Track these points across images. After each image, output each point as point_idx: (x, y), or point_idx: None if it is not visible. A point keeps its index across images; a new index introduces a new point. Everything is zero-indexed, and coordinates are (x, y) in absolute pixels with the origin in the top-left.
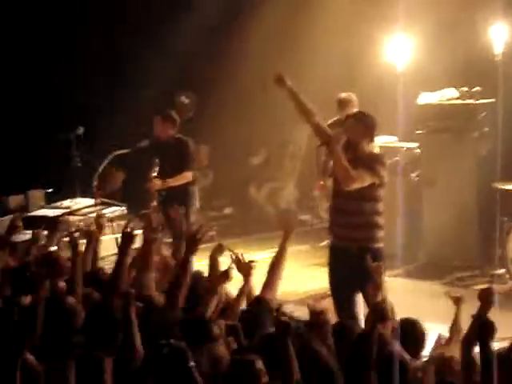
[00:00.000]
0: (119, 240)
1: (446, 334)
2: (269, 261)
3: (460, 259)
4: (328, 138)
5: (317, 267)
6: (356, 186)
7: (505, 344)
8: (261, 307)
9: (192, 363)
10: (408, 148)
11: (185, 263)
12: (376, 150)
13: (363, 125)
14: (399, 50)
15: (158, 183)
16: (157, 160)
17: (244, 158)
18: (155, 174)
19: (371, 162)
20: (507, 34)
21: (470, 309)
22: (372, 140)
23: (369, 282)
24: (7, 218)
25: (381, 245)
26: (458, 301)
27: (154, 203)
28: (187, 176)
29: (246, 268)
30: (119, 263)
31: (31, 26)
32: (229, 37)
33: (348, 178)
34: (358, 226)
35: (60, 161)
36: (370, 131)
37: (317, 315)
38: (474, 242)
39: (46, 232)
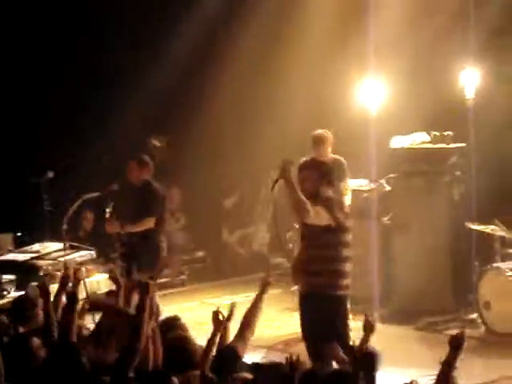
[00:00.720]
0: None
1: (420, 380)
2: (242, 305)
3: (433, 304)
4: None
5: (289, 312)
6: (312, 220)
7: None
8: (230, 355)
9: None
10: (380, 192)
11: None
12: (336, 194)
13: (317, 172)
14: (372, 93)
15: (115, 226)
16: (112, 203)
17: (217, 201)
18: (108, 215)
19: (328, 204)
20: (478, 80)
21: (443, 354)
22: (330, 184)
23: (334, 330)
24: None
25: (343, 292)
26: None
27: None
28: (148, 222)
29: (218, 323)
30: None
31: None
32: (202, 77)
33: (303, 210)
34: (319, 273)
35: (29, 204)
36: (326, 177)
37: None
38: (448, 287)
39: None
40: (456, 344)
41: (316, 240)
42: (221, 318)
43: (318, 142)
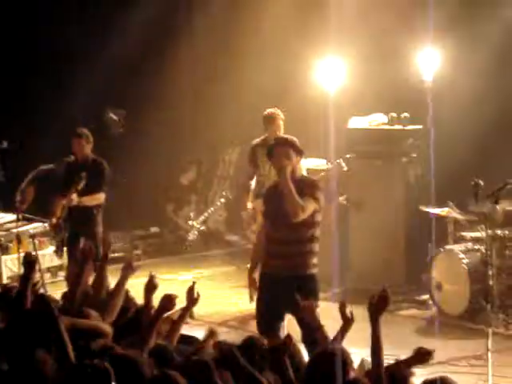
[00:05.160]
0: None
1: (369, 358)
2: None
3: (386, 284)
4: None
5: (243, 289)
6: (303, 217)
7: (429, 369)
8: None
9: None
10: (337, 172)
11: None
12: (303, 172)
13: (296, 150)
14: (330, 72)
15: (74, 199)
16: (83, 174)
17: (175, 177)
18: (79, 188)
19: (311, 189)
20: (437, 62)
21: (394, 333)
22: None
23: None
24: None
25: (315, 271)
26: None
27: (54, 220)
28: (101, 197)
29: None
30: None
31: None
32: (161, 51)
33: (298, 212)
34: (296, 255)
35: None
36: (301, 155)
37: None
38: (401, 268)
39: None
40: (420, 358)
41: (293, 222)
42: (195, 293)
43: (269, 120)
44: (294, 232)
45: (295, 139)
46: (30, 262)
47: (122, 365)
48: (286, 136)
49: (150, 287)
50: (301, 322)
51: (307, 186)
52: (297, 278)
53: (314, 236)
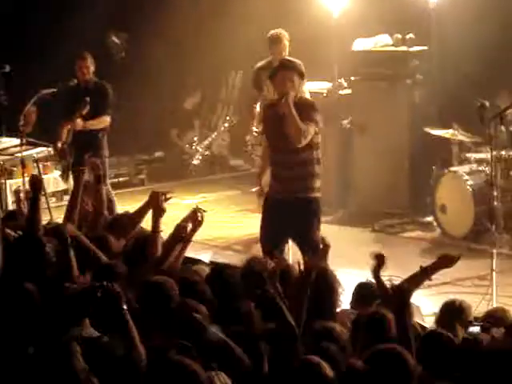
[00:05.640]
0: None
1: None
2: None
3: (390, 207)
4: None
5: (246, 213)
6: (305, 142)
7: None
8: None
9: (125, 306)
10: (340, 94)
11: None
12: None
13: (301, 72)
14: None
15: (79, 123)
16: (87, 99)
17: (178, 102)
18: (83, 113)
19: (310, 111)
20: None
21: (399, 255)
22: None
23: (305, 232)
24: None
25: (319, 194)
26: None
27: (59, 144)
28: (106, 120)
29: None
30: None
31: None
32: None
33: (301, 138)
34: (300, 178)
35: None
36: (303, 78)
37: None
38: (405, 190)
39: None
40: (444, 262)
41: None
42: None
43: (275, 41)
44: (296, 154)
45: (299, 62)
46: (36, 184)
47: (151, 289)
48: (290, 59)
49: (159, 211)
50: (302, 248)
51: (305, 108)
52: (300, 201)
53: (316, 157)
